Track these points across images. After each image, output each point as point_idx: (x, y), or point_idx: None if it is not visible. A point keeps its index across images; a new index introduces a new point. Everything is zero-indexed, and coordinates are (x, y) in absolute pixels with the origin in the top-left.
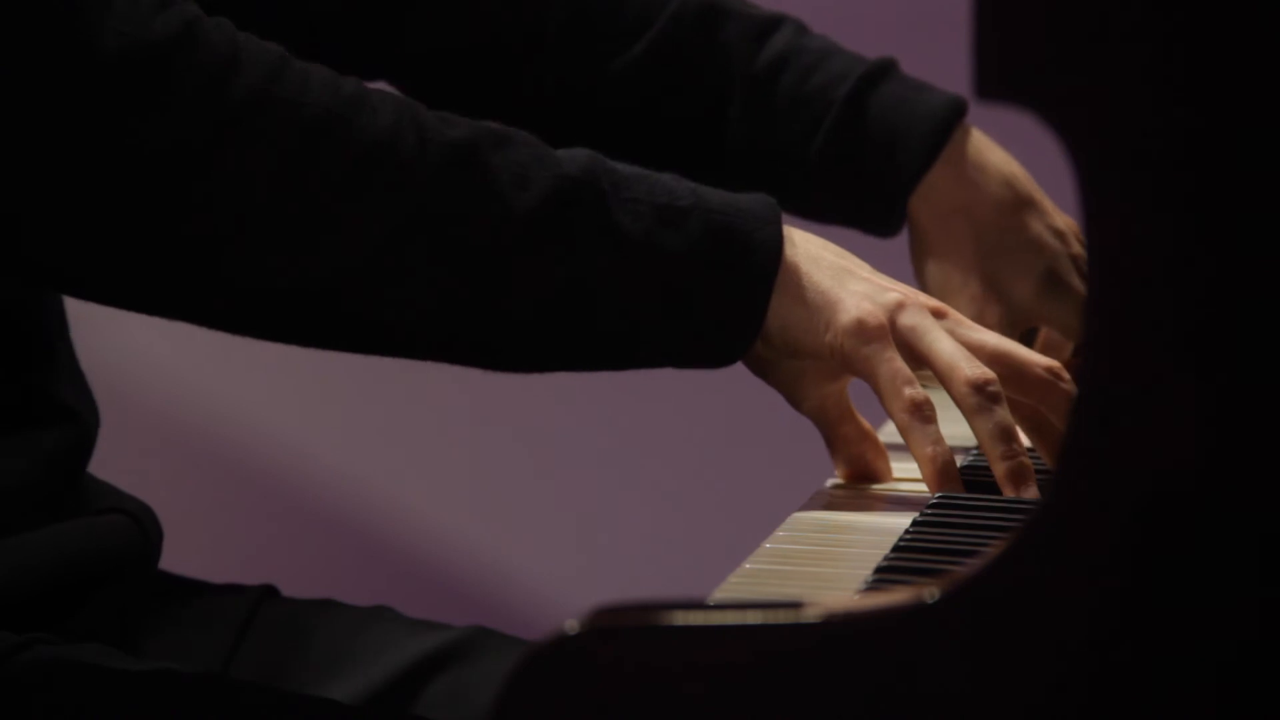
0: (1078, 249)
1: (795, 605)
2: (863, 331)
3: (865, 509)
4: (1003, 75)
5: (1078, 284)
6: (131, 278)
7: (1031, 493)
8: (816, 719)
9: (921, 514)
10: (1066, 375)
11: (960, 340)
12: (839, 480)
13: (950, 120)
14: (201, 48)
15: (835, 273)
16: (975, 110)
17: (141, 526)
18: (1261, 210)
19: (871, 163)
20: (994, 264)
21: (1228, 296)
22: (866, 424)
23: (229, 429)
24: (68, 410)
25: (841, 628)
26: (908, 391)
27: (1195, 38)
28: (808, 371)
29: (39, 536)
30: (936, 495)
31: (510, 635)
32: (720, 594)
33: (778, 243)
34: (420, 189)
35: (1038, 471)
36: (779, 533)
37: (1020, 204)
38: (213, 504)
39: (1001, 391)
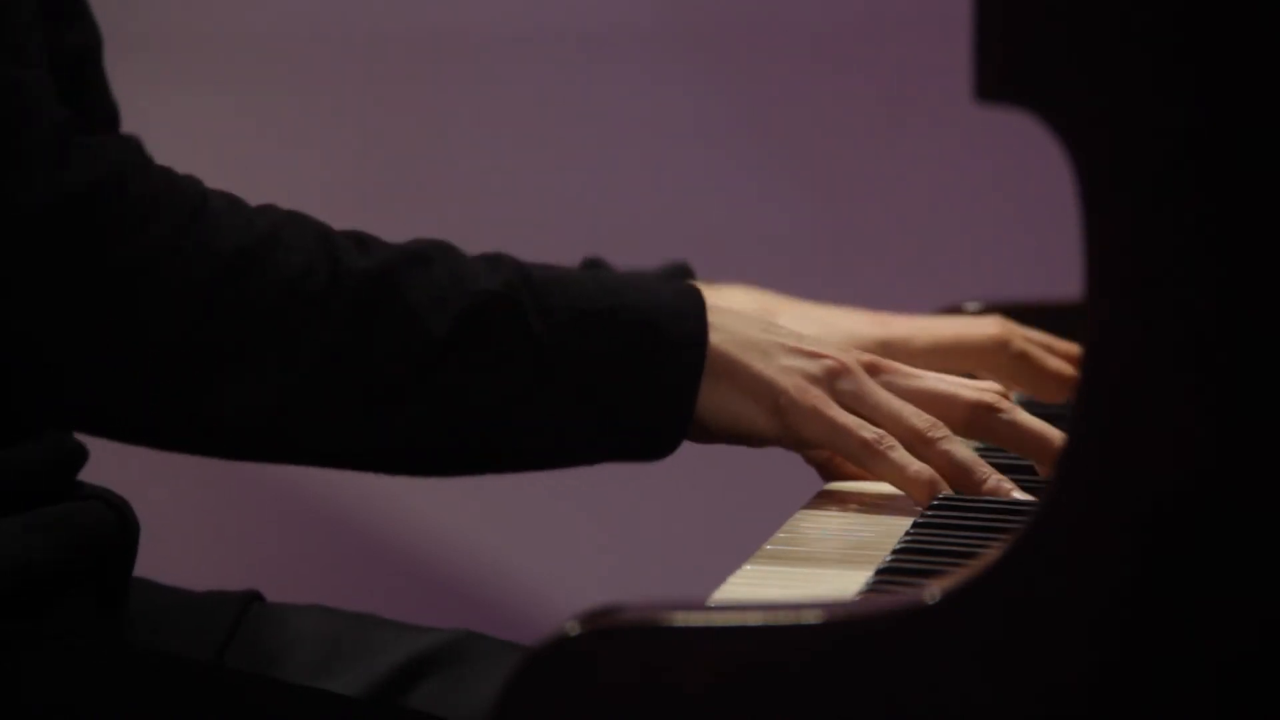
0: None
1: (796, 607)
2: (801, 408)
3: (866, 511)
4: (1003, 77)
5: (863, 332)
6: (77, 406)
7: (1017, 492)
8: None
9: (922, 515)
10: (1006, 405)
11: (900, 391)
12: (840, 482)
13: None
14: (123, 194)
15: (764, 352)
16: (975, 111)
17: (119, 514)
18: (1262, 213)
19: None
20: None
21: (1228, 299)
22: None
23: None
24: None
25: (842, 629)
26: (860, 434)
27: (1195, 40)
28: None
29: (12, 523)
30: (938, 497)
31: (498, 638)
32: (720, 595)
33: (701, 335)
34: (335, 323)
35: (1031, 476)
36: (779, 534)
37: (768, 295)
38: (200, 506)
39: (948, 431)
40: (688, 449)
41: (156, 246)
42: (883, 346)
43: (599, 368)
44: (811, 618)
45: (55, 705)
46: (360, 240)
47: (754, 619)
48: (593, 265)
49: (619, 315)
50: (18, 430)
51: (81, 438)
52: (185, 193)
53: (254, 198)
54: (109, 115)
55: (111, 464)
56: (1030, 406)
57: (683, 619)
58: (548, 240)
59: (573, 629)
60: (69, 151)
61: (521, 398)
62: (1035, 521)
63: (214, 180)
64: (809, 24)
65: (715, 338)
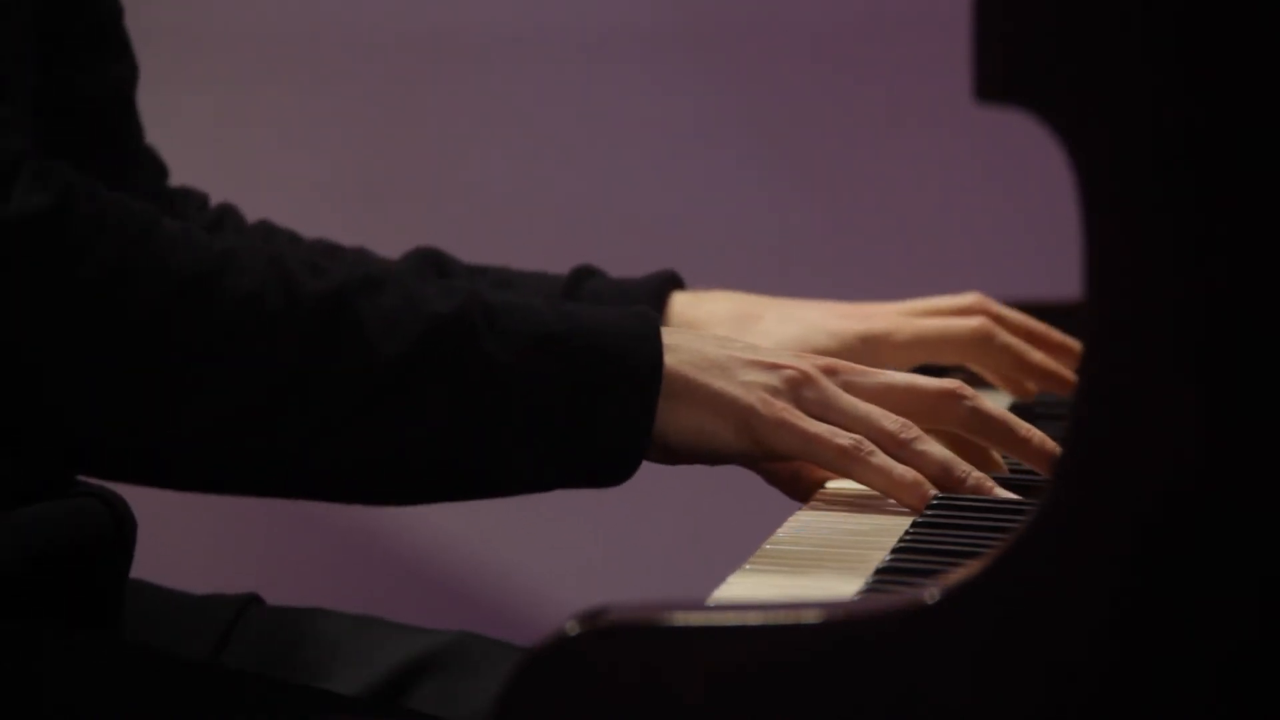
0: None
1: (795, 607)
2: (769, 421)
3: (866, 510)
4: (1003, 77)
5: (847, 328)
6: (30, 430)
7: (999, 493)
8: None
9: (921, 515)
10: (967, 391)
11: (861, 390)
12: (839, 482)
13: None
14: (70, 218)
15: (722, 369)
16: (975, 111)
17: (112, 510)
18: (1261, 212)
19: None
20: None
21: (1227, 297)
22: None
23: None
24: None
25: (842, 629)
26: (836, 442)
27: (1195, 41)
28: None
29: (4, 520)
30: (936, 497)
31: (498, 639)
32: (720, 595)
33: (657, 357)
34: (287, 344)
35: (1030, 475)
36: (779, 534)
37: (750, 297)
38: (200, 510)
39: (920, 431)
40: None
41: (105, 270)
42: (865, 341)
43: (553, 392)
44: (811, 617)
45: (51, 703)
46: (313, 266)
47: (753, 619)
48: (584, 273)
49: (573, 340)
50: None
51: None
52: (136, 216)
53: (253, 198)
54: (137, 138)
55: None
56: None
57: (682, 619)
58: (548, 240)
59: (572, 629)
60: (17, 179)
61: (475, 422)
62: (1034, 521)
63: (213, 180)
64: (809, 24)
65: (671, 359)
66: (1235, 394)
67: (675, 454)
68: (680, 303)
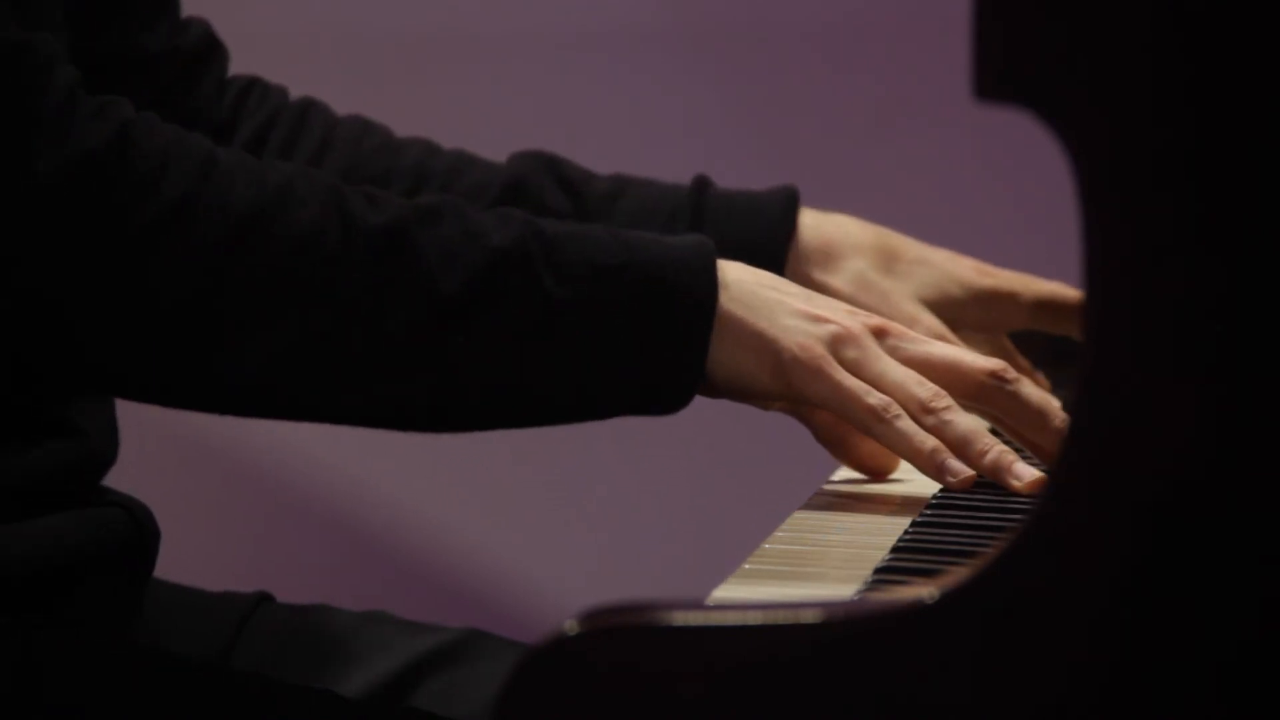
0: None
1: (794, 606)
2: (804, 366)
3: (865, 509)
4: (1002, 76)
5: (978, 282)
6: (94, 367)
7: (1022, 472)
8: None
9: (921, 514)
10: (1011, 375)
11: (904, 358)
12: (839, 480)
13: (790, 190)
14: (132, 154)
15: (769, 310)
16: (975, 110)
17: (135, 519)
18: (1260, 211)
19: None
20: (900, 282)
21: (1227, 297)
22: None
23: (224, 429)
24: (73, 427)
25: (841, 628)
26: (868, 400)
27: (1194, 40)
28: None
29: (29, 525)
30: (935, 496)
31: (503, 637)
32: (719, 594)
33: (712, 293)
34: (347, 281)
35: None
36: (778, 533)
37: (884, 230)
38: (210, 508)
39: (952, 402)
40: (689, 447)
41: (169, 206)
42: (993, 296)
43: (608, 324)
44: (810, 617)
45: (59, 703)
46: (370, 196)
47: (753, 618)
48: (703, 183)
49: (629, 270)
50: (36, 410)
51: (107, 442)
52: (195, 150)
53: None
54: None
55: (131, 469)
56: None
57: (682, 618)
58: None
59: (572, 628)
60: (75, 113)
61: (533, 354)
62: (1034, 520)
63: None
64: (809, 24)
65: (722, 295)
66: (1235, 393)
67: (717, 389)
68: (810, 218)
